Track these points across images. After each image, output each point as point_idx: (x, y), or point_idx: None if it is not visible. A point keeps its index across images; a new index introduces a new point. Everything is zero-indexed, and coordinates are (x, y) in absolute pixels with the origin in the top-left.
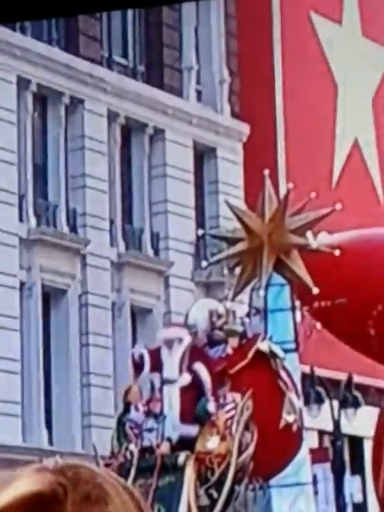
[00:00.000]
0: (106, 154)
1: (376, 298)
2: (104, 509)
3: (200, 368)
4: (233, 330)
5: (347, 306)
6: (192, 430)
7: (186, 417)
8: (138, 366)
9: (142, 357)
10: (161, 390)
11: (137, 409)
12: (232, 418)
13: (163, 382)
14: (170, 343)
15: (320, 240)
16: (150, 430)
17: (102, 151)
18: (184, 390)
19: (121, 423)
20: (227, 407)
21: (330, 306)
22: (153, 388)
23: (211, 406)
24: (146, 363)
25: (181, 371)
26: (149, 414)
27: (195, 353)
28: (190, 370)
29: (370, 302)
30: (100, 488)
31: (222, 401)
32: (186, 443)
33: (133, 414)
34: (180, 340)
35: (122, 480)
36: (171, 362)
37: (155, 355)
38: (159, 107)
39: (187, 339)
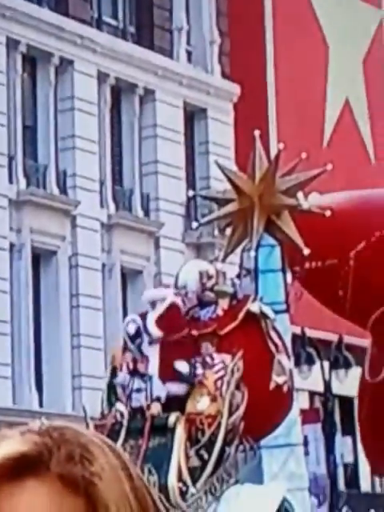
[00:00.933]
0: (95, 115)
1: (344, 260)
2: (88, 468)
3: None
4: (223, 291)
5: (323, 267)
6: (180, 388)
7: (171, 375)
8: (131, 335)
9: (135, 322)
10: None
11: (123, 370)
12: (221, 378)
13: (150, 342)
14: (154, 304)
15: (311, 201)
16: (138, 391)
17: (91, 112)
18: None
19: (110, 386)
20: (216, 368)
21: (310, 269)
22: (139, 348)
23: (199, 369)
24: (140, 328)
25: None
26: (135, 374)
27: (182, 313)
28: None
29: (338, 264)
30: (84, 448)
31: (210, 361)
32: (176, 402)
33: (120, 376)
34: (163, 300)
35: (109, 441)
36: (152, 321)
37: (144, 318)
38: (149, 68)
39: (169, 299)
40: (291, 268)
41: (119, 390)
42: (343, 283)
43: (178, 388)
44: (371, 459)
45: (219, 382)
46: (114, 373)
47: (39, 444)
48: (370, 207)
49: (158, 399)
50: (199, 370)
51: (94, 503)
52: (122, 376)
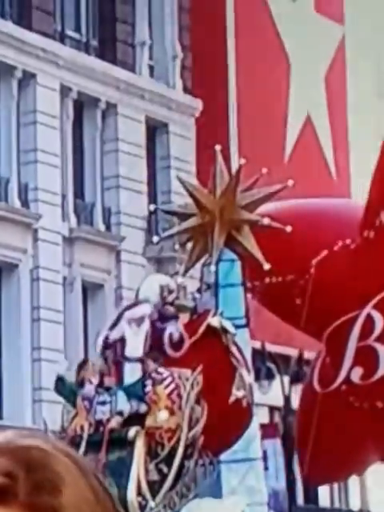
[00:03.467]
0: (58, 128)
1: (303, 271)
2: (57, 498)
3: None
4: (184, 306)
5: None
6: (142, 405)
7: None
8: (107, 347)
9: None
10: (115, 363)
11: (90, 382)
12: (173, 391)
13: (124, 358)
14: (139, 321)
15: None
16: (102, 403)
17: (54, 126)
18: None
19: (72, 397)
20: (166, 382)
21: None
22: (106, 361)
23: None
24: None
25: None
26: (101, 387)
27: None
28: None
29: (296, 273)
30: (52, 474)
31: (157, 377)
32: (138, 417)
33: (86, 388)
34: (144, 318)
35: (73, 452)
36: (137, 340)
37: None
38: (112, 82)
39: (147, 318)
40: (251, 283)
41: (80, 402)
42: (301, 292)
43: (141, 404)
44: (307, 470)
45: (174, 395)
46: (81, 383)
47: (6, 469)
48: (327, 218)
49: (120, 413)
50: (148, 388)
51: None
52: (89, 389)
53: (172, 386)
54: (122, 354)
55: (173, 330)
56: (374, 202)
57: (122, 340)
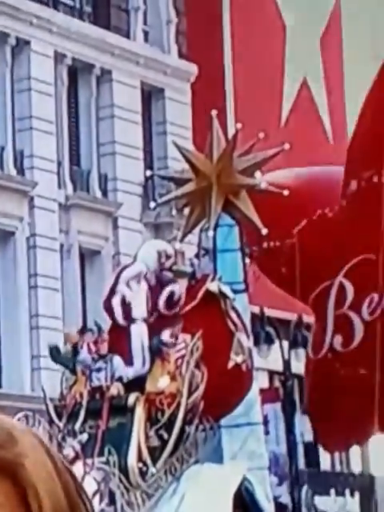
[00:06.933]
0: (52, 95)
1: (287, 234)
2: (12, 450)
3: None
4: (182, 271)
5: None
6: (142, 369)
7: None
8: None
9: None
10: (119, 327)
11: (86, 350)
12: (182, 357)
13: (130, 320)
14: (136, 278)
15: (267, 179)
16: (98, 370)
17: (48, 93)
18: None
19: (70, 365)
20: (178, 347)
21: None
22: (99, 329)
23: (166, 336)
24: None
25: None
26: (96, 354)
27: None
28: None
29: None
30: (7, 433)
31: (173, 340)
32: (137, 383)
33: (81, 355)
34: (140, 274)
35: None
36: (139, 301)
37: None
38: (106, 48)
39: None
40: (249, 248)
41: (79, 369)
42: (286, 261)
43: (141, 368)
44: (320, 437)
45: (180, 361)
46: (74, 353)
47: None
48: (317, 185)
49: (120, 379)
50: (164, 348)
51: (22, 484)
52: (84, 355)
53: (182, 351)
54: (127, 316)
55: (175, 288)
56: (347, 171)
57: (125, 302)
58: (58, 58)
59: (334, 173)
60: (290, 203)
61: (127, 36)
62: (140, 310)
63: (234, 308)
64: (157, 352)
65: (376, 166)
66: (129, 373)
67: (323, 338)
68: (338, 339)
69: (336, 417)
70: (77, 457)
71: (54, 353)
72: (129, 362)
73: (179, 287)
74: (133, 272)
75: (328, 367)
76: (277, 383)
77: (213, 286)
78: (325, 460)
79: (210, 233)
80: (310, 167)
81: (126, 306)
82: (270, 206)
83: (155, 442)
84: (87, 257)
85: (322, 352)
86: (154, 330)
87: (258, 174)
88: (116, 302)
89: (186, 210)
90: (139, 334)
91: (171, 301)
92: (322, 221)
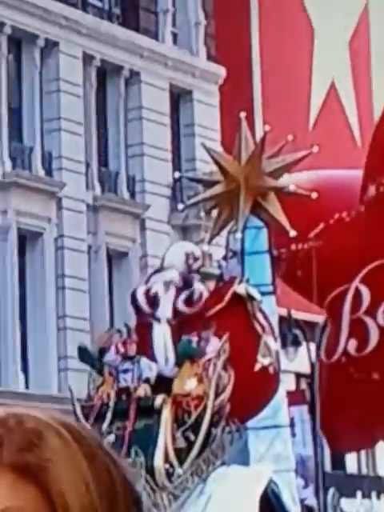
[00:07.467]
0: (81, 96)
1: (304, 238)
2: (39, 454)
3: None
4: (209, 273)
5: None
6: (170, 370)
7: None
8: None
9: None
10: (143, 326)
11: (114, 351)
12: (210, 360)
13: (155, 318)
14: (167, 284)
15: (295, 181)
16: (125, 371)
17: (77, 94)
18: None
19: (98, 366)
20: (210, 348)
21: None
22: (128, 330)
23: (195, 342)
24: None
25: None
26: (124, 355)
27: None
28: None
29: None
30: (37, 434)
31: (204, 343)
32: (164, 384)
33: (109, 356)
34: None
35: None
36: (166, 302)
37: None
38: (135, 50)
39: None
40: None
41: (106, 370)
42: (302, 264)
43: (168, 369)
44: (329, 438)
45: (207, 363)
46: (101, 354)
47: None
48: (339, 188)
49: (147, 381)
50: (196, 351)
51: (48, 489)
52: (112, 356)
53: (211, 354)
54: (152, 314)
55: (200, 287)
56: (366, 176)
57: (155, 298)
58: (87, 59)
59: (359, 177)
60: (308, 206)
61: (156, 38)
62: (165, 309)
63: (261, 310)
64: (188, 355)
65: None
66: (152, 371)
67: (337, 341)
68: (353, 343)
69: (347, 420)
70: None
71: (83, 353)
72: (152, 360)
73: (204, 287)
74: (165, 277)
75: (341, 371)
76: (304, 386)
77: (240, 289)
78: (351, 463)
79: (238, 235)
80: (333, 170)
81: (152, 304)
82: (287, 209)
83: (182, 444)
84: (114, 258)
85: (336, 356)
86: (181, 331)
87: (285, 176)
88: (142, 299)
89: (214, 212)
90: (163, 333)
91: (191, 300)
92: (339, 225)
